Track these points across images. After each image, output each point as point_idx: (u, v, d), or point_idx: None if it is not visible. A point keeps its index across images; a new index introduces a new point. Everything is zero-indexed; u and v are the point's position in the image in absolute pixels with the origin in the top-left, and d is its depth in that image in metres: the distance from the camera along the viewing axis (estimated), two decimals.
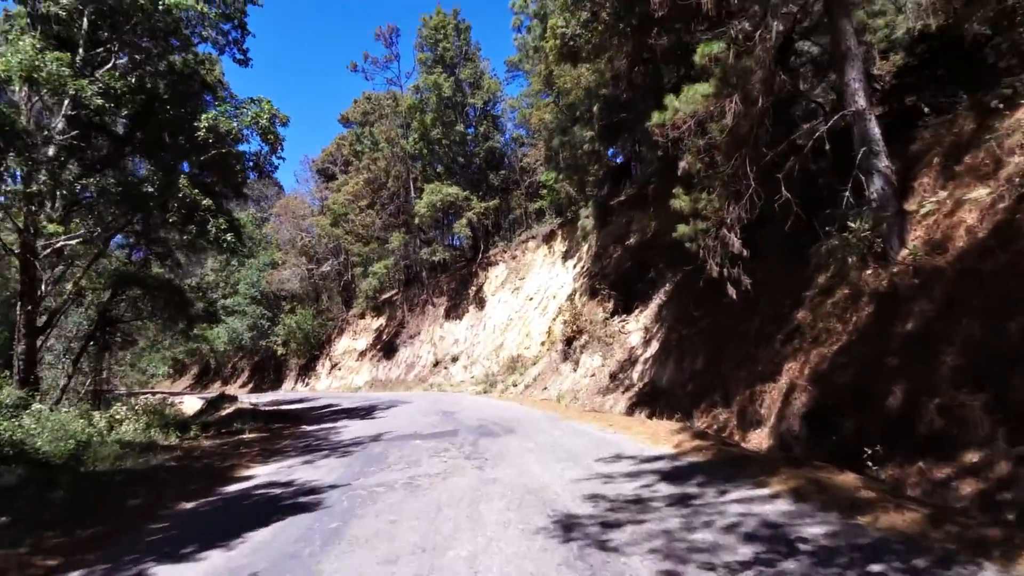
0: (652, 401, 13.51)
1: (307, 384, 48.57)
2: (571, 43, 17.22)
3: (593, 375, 18.26)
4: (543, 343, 28.61)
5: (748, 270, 9.61)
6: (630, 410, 14.21)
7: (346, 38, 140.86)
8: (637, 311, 19.27)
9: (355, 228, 38.55)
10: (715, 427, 9.90)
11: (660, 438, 9.39)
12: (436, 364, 34.96)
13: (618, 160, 26.59)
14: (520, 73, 43.27)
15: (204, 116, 14.29)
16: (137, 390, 60.74)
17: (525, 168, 39.93)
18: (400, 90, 41.25)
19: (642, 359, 16.25)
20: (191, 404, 34.18)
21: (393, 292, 44.66)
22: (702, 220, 9.70)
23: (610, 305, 21.16)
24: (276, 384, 53.93)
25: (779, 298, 9.94)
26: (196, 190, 14.55)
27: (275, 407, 29.45)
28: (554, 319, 28.65)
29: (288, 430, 17.09)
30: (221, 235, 14.78)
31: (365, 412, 20.47)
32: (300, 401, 32.22)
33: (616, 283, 22.49)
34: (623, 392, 15.77)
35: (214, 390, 63.68)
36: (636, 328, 18.35)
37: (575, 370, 19.60)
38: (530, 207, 38.10)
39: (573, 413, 14.13)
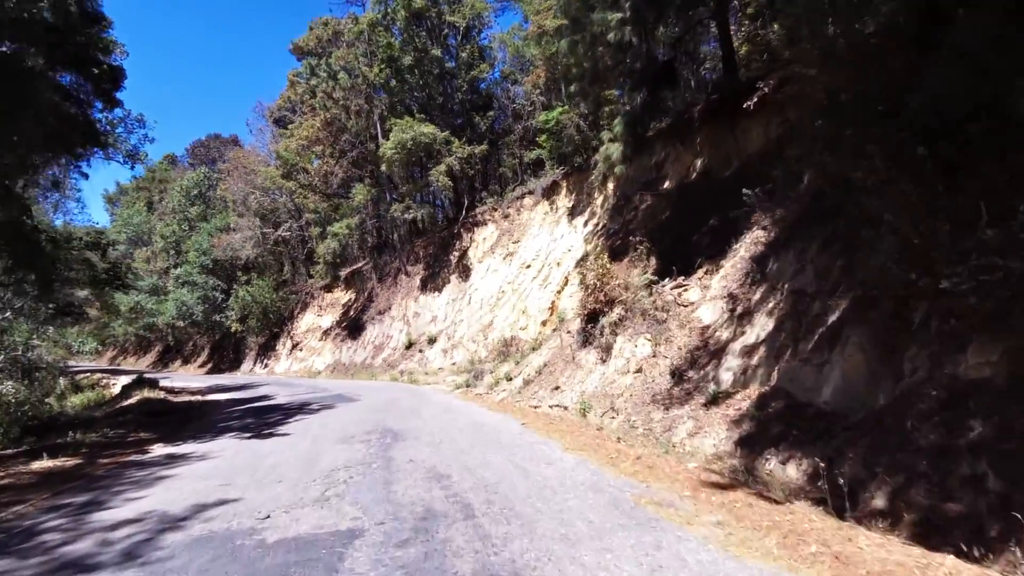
0: (813, 439, 6.29)
1: (266, 366, 41.08)
2: None
3: (639, 370, 11.05)
4: (544, 322, 21.61)
5: None
6: (744, 449, 7.00)
7: None
8: (702, 271, 12.12)
9: (311, 180, 30.86)
10: None
11: None
12: (409, 346, 27.67)
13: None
14: (508, 4, 35.53)
15: None
16: (82, 366, 53.80)
17: (519, 113, 32.32)
18: (362, 10, 33.25)
19: (737, 347, 9.07)
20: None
21: (364, 262, 37.09)
22: None
23: (652, 264, 14.02)
24: (235, 365, 46.43)
25: None
26: None
27: (199, 396, 22.47)
28: (559, 291, 21.62)
29: (124, 453, 10.27)
30: None
31: (282, 416, 13.70)
32: (238, 388, 25.01)
33: (655, 238, 15.42)
34: (707, 404, 8.60)
35: (174, 369, 56.51)
36: (707, 296, 11.19)
37: (605, 360, 12.40)
38: (526, 156, 30.55)
39: (663, 475, 6.58)
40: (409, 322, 29.14)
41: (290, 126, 35.53)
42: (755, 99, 11.75)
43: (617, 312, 12.86)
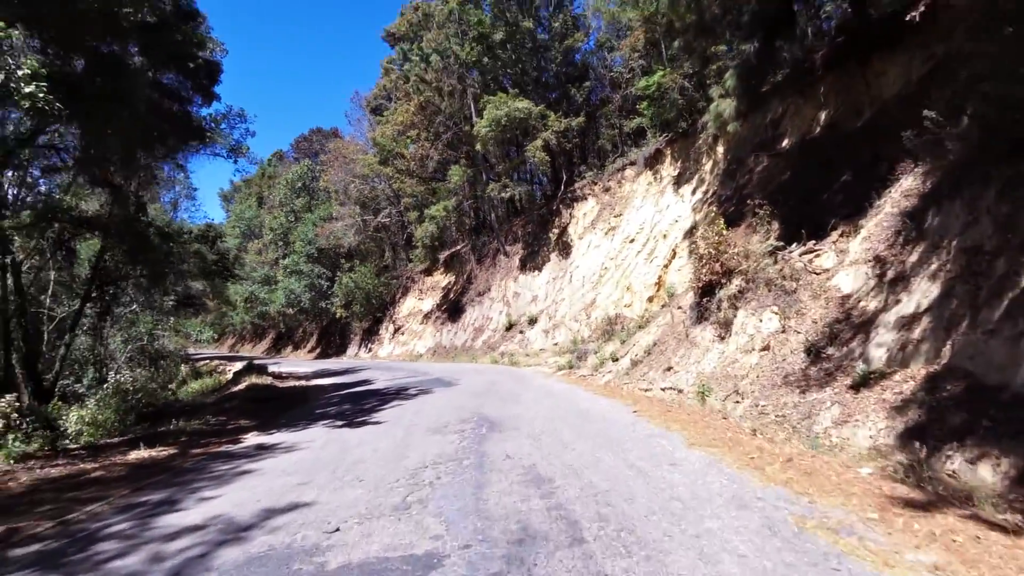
0: (1014, 431, 5.06)
1: (370, 350, 42.23)
2: None
3: (766, 347, 9.86)
4: (651, 299, 20.52)
5: None
6: (914, 442, 5.81)
7: None
8: (836, 234, 10.71)
9: (407, 165, 30.94)
10: None
11: None
12: (510, 328, 27.28)
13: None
14: None
15: None
16: (203, 353, 57.87)
17: (616, 82, 30.84)
18: None
19: (890, 318, 7.76)
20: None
21: (462, 245, 37.09)
22: None
23: (773, 229, 12.64)
24: (341, 350, 48.17)
25: None
26: None
27: (304, 381, 23.15)
28: (666, 265, 20.44)
29: (218, 443, 10.47)
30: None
31: (378, 402, 13.59)
32: (341, 373, 25.63)
33: (776, 200, 13.95)
34: (855, 387, 7.40)
35: (285, 355, 59.52)
36: (845, 261, 9.81)
37: (723, 337, 11.24)
38: (625, 126, 29.13)
39: (829, 485, 5.35)
40: (509, 303, 28.74)
41: (385, 113, 35.92)
42: (921, 8, 10.06)
43: (736, 283, 11.63)
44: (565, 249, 26.83)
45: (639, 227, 23.31)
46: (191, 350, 66.08)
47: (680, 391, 10.92)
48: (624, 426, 8.66)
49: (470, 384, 15.43)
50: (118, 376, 16.80)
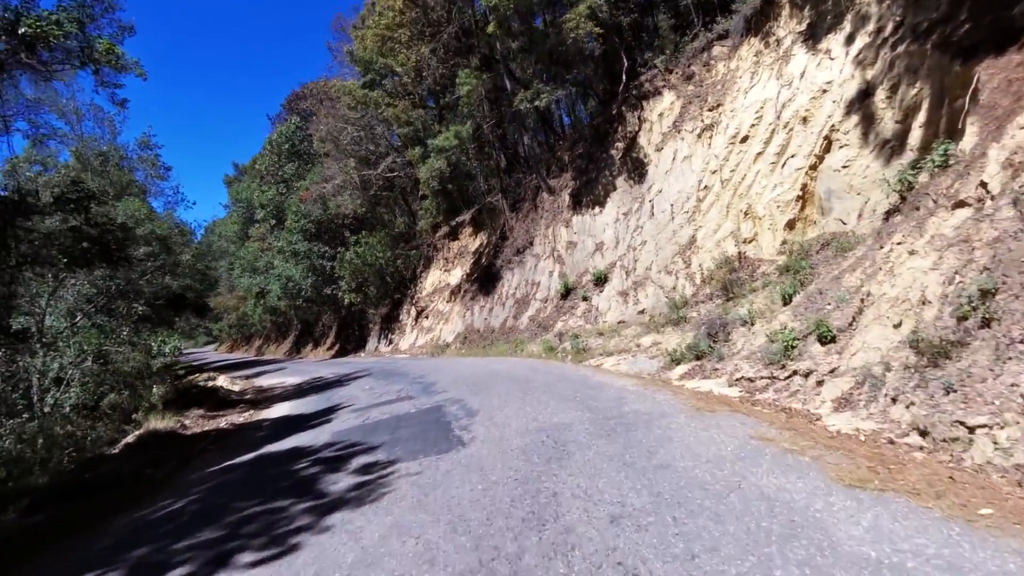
0: None
1: (391, 342, 35.30)
2: None
3: None
4: (791, 223, 13.13)
5: None
6: None
7: None
8: None
9: (401, 82, 23.48)
10: None
11: None
12: (567, 294, 19.81)
13: None
14: None
15: None
16: (229, 358, 52.17)
17: None
18: None
19: None
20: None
21: (492, 195, 29.48)
22: None
23: None
24: (360, 344, 41.45)
25: None
26: None
27: (250, 413, 16.69)
28: (813, 165, 13.02)
29: None
30: None
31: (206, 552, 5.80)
32: (326, 386, 18.78)
33: None
34: None
35: (305, 354, 53.78)
36: None
37: None
38: None
39: None
40: (561, 258, 21.16)
41: (367, 22, 28.44)
42: None
43: None
44: (637, 169, 19.05)
45: (755, 116, 15.47)
46: (210, 355, 60.28)
47: None
48: None
49: (490, 444, 7.25)
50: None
